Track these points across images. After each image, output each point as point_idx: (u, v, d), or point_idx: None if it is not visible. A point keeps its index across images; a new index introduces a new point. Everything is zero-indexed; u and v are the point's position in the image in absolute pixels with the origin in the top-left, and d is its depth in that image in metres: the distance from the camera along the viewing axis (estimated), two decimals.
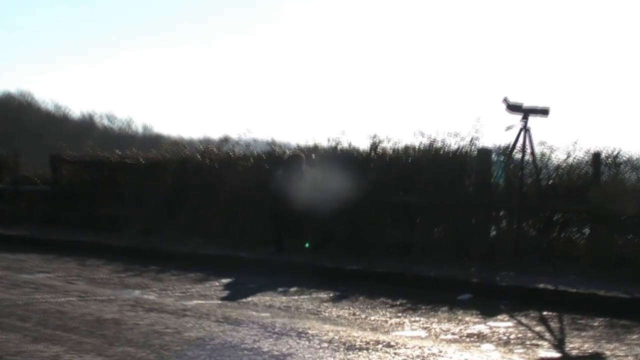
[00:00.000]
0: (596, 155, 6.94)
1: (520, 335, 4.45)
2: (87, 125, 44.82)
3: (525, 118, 7.05)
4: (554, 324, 4.81)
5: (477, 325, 4.71)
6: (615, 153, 7.06)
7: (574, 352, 4.02)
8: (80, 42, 71.30)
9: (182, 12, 73.52)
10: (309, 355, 3.77)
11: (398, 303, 5.49)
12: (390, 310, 5.23)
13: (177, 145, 10.92)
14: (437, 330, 4.55)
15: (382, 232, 7.95)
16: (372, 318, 4.91)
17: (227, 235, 9.04)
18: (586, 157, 7.20)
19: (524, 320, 4.91)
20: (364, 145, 8.56)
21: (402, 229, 7.88)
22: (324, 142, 8.88)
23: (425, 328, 4.61)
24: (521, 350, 4.03)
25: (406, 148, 8.21)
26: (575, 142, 7.34)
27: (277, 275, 6.84)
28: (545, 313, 5.12)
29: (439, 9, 76.26)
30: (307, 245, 7.17)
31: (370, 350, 3.93)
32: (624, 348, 4.08)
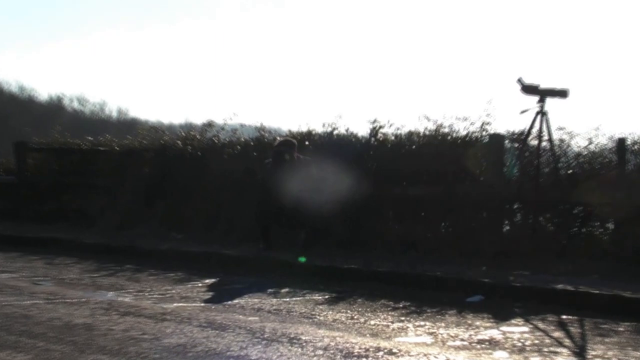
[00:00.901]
0: (621, 142, 6.94)
1: (536, 341, 4.44)
2: (55, 108, 44.74)
3: (541, 100, 7.04)
4: (574, 329, 4.80)
5: (489, 331, 4.70)
6: None
7: None
8: (48, 20, 71.08)
9: None
10: None
11: (401, 305, 5.48)
12: (392, 313, 5.23)
13: (156, 130, 10.90)
14: (445, 335, 4.54)
15: (383, 227, 7.96)
16: (372, 322, 4.90)
17: (211, 231, 9.06)
18: (610, 144, 7.23)
19: (540, 324, 4.91)
20: (363, 130, 8.59)
21: (405, 223, 7.88)
22: (318, 128, 8.92)
23: (431, 333, 4.60)
24: (538, 359, 4.03)
25: (410, 134, 8.21)
26: (598, 128, 7.36)
27: (266, 274, 6.84)
28: (564, 317, 5.11)
29: None
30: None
31: (369, 358, 3.91)
32: None
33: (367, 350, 4.08)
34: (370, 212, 8.04)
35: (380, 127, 8.35)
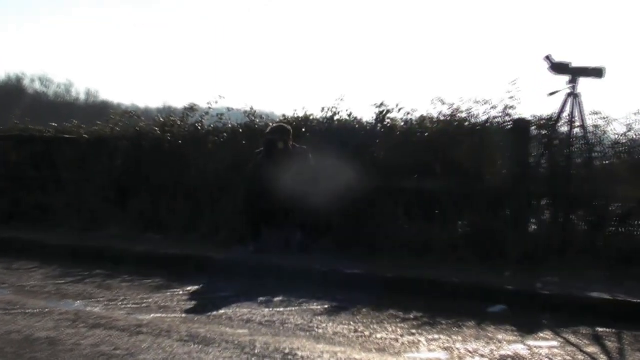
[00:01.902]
0: None
1: (567, 357, 4.44)
2: (14, 90, 44.67)
3: (573, 81, 7.03)
4: (611, 343, 4.80)
5: (513, 345, 4.70)
6: None
7: None
8: None
9: None
10: None
11: (412, 316, 5.48)
12: (402, 325, 5.23)
13: (130, 115, 10.86)
14: (462, 351, 4.54)
15: (391, 227, 7.95)
16: (379, 336, 4.89)
17: (193, 231, 9.06)
18: None
19: (572, 338, 4.90)
20: (368, 116, 8.56)
21: (417, 222, 7.86)
22: (317, 113, 8.90)
23: (447, 348, 4.60)
24: None
25: (422, 119, 8.19)
26: (638, 112, 7.30)
27: (257, 281, 6.85)
28: (599, 329, 5.11)
29: None
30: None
31: None
32: None
33: None
34: (377, 209, 8.02)
35: (388, 111, 8.33)
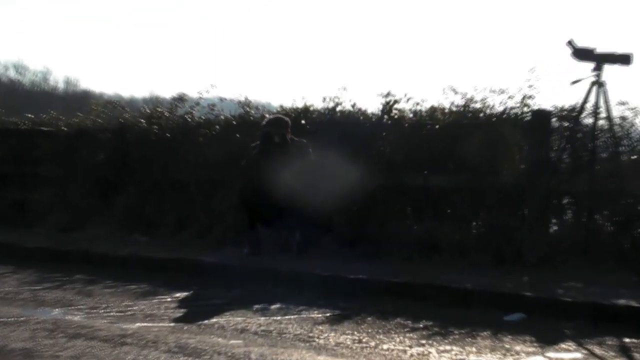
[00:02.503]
0: None
1: None
2: None
3: (598, 68, 7.01)
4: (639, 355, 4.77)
5: (532, 357, 4.69)
6: None
7: None
8: None
9: None
10: None
11: (421, 325, 5.47)
12: (411, 335, 5.22)
13: (114, 106, 10.85)
14: None
15: (398, 227, 7.94)
16: (385, 347, 4.89)
17: (183, 232, 9.07)
18: None
19: (597, 349, 4.89)
20: (373, 106, 8.54)
21: (426, 221, 7.85)
22: (318, 103, 8.89)
23: None
24: None
25: (432, 110, 8.18)
26: None
27: (252, 286, 6.86)
28: (627, 340, 5.10)
29: None
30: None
31: None
32: None
33: None
34: (383, 207, 8.04)
35: (395, 101, 8.31)
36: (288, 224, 7.92)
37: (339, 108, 8.70)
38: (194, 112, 9.80)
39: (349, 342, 4.97)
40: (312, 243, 7.98)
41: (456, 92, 8.04)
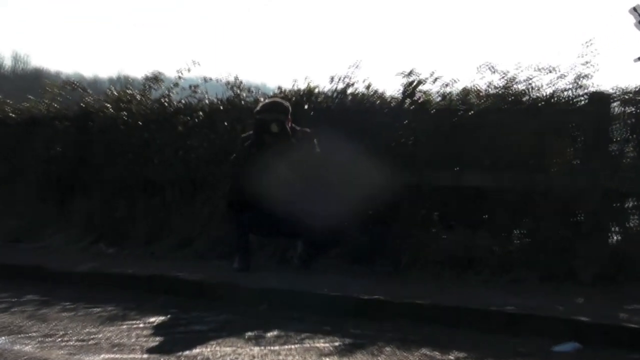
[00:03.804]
0: None
1: None
2: None
3: None
4: None
5: None
6: None
7: None
8: None
9: None
10: None
11: (452, 358, 5.44)
12: None
13: (73, 87, 10.91)
14: None
15: (423, 236, 7.95)
16: None
17: (157, 242, 9.12)
18: None
19: None
20: (392, 88, 8.54)
21: (457, 229, 7.86)
22: (324, 84, 8.89)
23: None
24: None
25: (465, 92, 8.20)
26: None
27: (244, 309, 6.83)
28: None
29: None
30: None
31: None
32: None
33: None
34: (405, 212, 8.05)
35: (420, 82, 8.30)
36: (287, 232, 7.90)
37: (350, 90, 8.71)
38: (171, 94, 9.84)
39: None
40: (316, 255, 8.00)
41: (494, 71, 8.00)
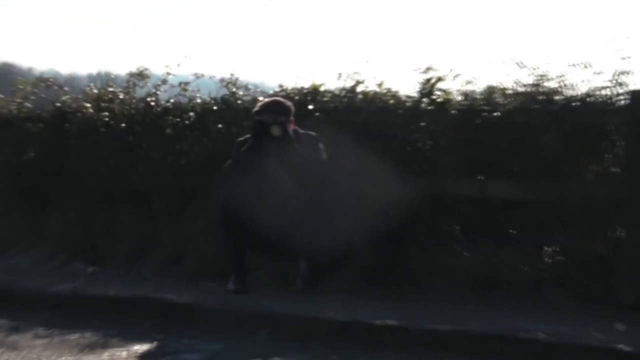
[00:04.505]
0: None
1: None
2: None
3: None
4: None
5: None
6: None
7: None
8: None
9: None
10: None
11: None
12: None
13: (47, 85, 10.90)
14: None
15: (442, 253, 7.92)
16: None
17: (142, 260, 9.07)
18: None
19: None
20: (407, 86, 8.54)
21: (482, 246, 7.83)
22: (331, 82, 8.90)
23: None
24: None
25: (489, 91, 8.19)
26: None
27: (239, 336, 6.81)
28: None
29: None
30: None
31: None
32: None
33: None
34: (423, 226, 8.03)
35: (439, 79, 8.32)
36: (289, 249, 7.81)
37: (360, 88, 8.71)
38: (159, 93, 9.84)
39: None
40: (322, 275, 7.95)
41: (522, 66, 7.99)
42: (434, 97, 8.33)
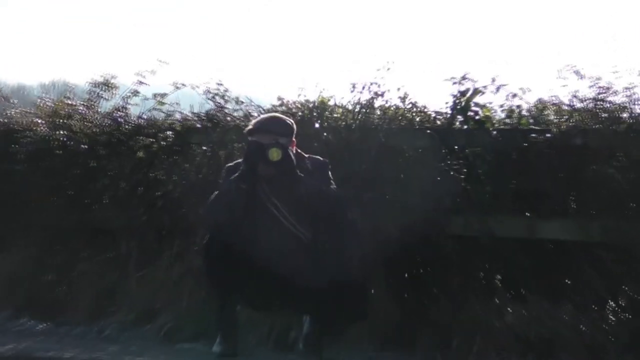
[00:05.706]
0: None
1: None
2: None
3: None
4: None
5: None
6: None
7: None
8: None
9: None
10: None
11: None
12: None
13: None
14: None
15: (482, 307, 7.84)
16: None
17: (105, 314, 8.94)
18: None
19: None
20: (437, 100, 8.49)
21: (528, 300, 7.78)
22: (341, 95, 8.82)
23: None
24: None
25: (540, 107, 8.20)
26: None
27: None
28: None
29: None
30: None
31: None
32: None
33: None
34: (454, 274, 7.98)
35: (477, 91, 8.23)
36: (290, 302, 7.65)
37: (378, 102, 8.62)
38: (129, 106, 9.76)
39: None
40: (330, 336, 7.75)
41: (581, 76, 7.95)
42: (471, 113, 8.28)
